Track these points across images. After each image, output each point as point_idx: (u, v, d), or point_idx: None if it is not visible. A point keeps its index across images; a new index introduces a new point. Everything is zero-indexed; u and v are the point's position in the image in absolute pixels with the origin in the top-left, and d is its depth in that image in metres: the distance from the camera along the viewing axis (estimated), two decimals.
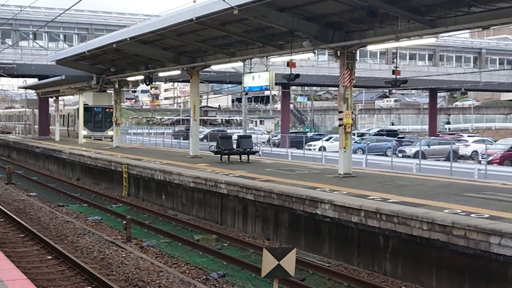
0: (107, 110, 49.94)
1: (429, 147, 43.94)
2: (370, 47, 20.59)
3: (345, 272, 13.10)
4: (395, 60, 46.37)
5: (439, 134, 65.06)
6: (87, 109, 48.26)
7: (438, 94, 78.08)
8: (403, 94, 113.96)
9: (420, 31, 17.03)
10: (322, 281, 12.72)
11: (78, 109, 47.90)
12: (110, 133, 48.02)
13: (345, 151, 19.61)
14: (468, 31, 34.69)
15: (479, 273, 10.96)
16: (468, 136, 58.15)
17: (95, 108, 50.62)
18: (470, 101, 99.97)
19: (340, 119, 19.68)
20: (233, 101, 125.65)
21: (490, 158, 35.99)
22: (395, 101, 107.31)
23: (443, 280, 11.68)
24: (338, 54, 19.40)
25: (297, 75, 20.64)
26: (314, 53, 21.49)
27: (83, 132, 46.59)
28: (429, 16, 16.70)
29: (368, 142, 44.97)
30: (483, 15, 15.51)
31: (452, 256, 11.39)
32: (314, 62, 51.93)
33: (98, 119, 51.88)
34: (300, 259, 13.24)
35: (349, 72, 19.29)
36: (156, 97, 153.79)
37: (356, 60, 20.15)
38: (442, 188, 16.58)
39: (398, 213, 12.42)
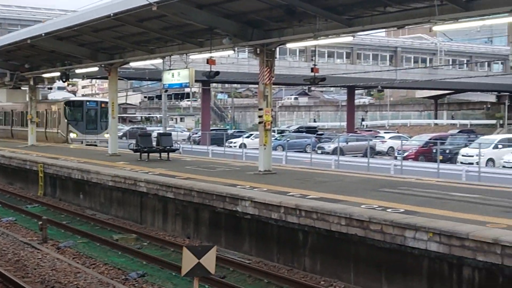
0: (103, 105, 39.13)
1: (347, 143, 44.80)
2: (289, 45, 20.81)
3: (265, 269, 13.17)
4: (313, 58, 47.01)
5: (357, 131, 66.38)
6: (76, 104, 39.00)
7: (356, 91, 79.66)
8: (322, 91, 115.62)
9: (338, 29, 17.30)
10: (243, 278, 12.75)
11: (68, 103, 39.10)
12: (107, 136, 36.93)
13: (265, 148, 19.72)
14: (384, 30, 35.49)
15: (395, 266, 11.23)
16: (385, 132, 59.65)
17: (87, 103, 39.99)
18: (366, 99, 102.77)
19: (260, 116, 19.78)
20: (151, 98, 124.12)
21: (405, 154, 37.01)
22: (295, 99, 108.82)
23: (360, 275, 11.91)
24: (258, 52, 19.48)
25: (217, 73, 20.62)
26: (234, 50, 21.53)
27: (72, 135, 37.85)
28: (346, 15, 16.98)
29: (288, 139, 45.45)
30: (398, 15, 15.89)
31: (369, 250, 11.63)
32: (234, 59, 52.01)
33: (91, 117, 39.83)
34: (221, 257, 13.23)
35: (268, 69, 19.40)
36: (73, 94, 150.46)
37: (276, 57, 20.31)
38: (359, 184, 16.91)
39: (317, 209, 12.58)
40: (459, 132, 58.67)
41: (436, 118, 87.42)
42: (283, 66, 53.54)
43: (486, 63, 73.22)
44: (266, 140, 19.69)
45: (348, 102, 72.10)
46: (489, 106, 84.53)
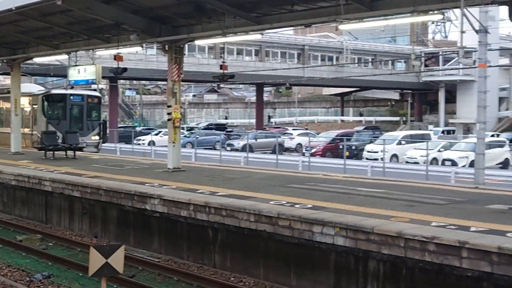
0: (89, 100, 31.99)
1: (256, 140, 45.10)
2: (198, 42, 20.73)
3: (175, 267, 13.10)
4: (222, 55, 47.10)
5: (265, 128, 66.94)
6: (58, 98, 31.14)
7: (265, 88, 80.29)
8: (231, 88, 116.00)
9: (246, 27, 17.40)
10: (152, 277, 12.62)
11: (47, 97, 30.97)
12: (94, 138, 31.25)
13: (174, 146, 19.62)
14: (291, 28, 35.97)
15: (303, 261, 11.40)
16: (293, 129, 60.46)
17: (71, 97, 31.52)
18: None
19: (169, 114, 19.66)
20: None
21: (313, 151, 37.65)
22: (193, 96, 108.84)
23: (270, 270, 12.02)
24: (166, 49, 19.34)
25: (125, 69, 20.36)
26: (142, 46, 21.29)
27: None
28: (254, 13, 17.09)
29: (197, 136, 45.35)
30: (305, 14, 16.14)
31: (278, 246, 11.76)
32: (142, 55, 51.35)
33: (76, 115, 31.65)
34: (129, 256, 13.05)
35: (177, 66, 19.30)
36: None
37: (185, 54, 20.21)
38: (268, 180, 17.07)
39: (226, 206, 12.62)
40: (365, 128, 60.17)
41: (342, 115, 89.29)
42: (192, 63, 53.27)
43: (390, 61, 75.36)
44: (175, 137, 19.59)
45: (257, 99, 72.60)
46: (393, 103, 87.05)
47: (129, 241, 14.95)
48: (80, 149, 25.49)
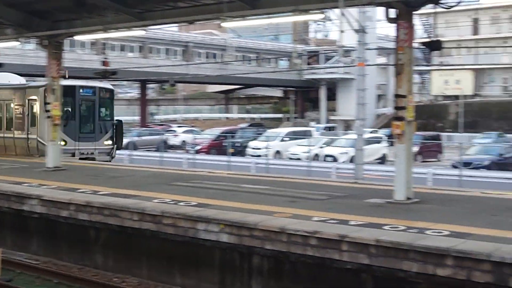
0: (102, 94, 25.01)
1: (140, 138, 44.55)
2: (79, 37, 20.22)
3: (55, 269, 12.71)
4: (104, 51, 46.16)
5: (149, 125, 66.27)
6: (63, 91, 20.49)
7: (149, 85, 79.50)
8: (114, 85, 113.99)
9: (129, 23, 17.12)
10: (31, 280, 12.18)
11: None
12: (107, 143, 24.66)
13: (53, 144, 19.03)
14: (176, 24, 35.73)
15: (188, 259, 11.36)
16: (178, 126, 60.20)
17: (80, 90, 24.20)
18: (132, 93, 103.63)
19: (48, 111, 19.06)
20: None
21: (198, 148, 37.67)
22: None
23: (154, 269, 11.90)
24: (45, 44, 18.75)
25: (1, 65, 19.55)
26: (19, 41, 20.52)
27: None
28: (137, 9, 16.83)
29: None
30: (189, 10, 16.08)
31: (162, 244, 11.65)
32: (20, 50, 49.49)
33: (86, 113, 24.66)
34: (6, 259, 12.52)
35: (56, 62, 18.75)
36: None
37: (64, 50, 19.66)
38: (152, 178, 16.90)
39: (109, 205, 12.37)
40: (249, 125, 60.81)
41: (227, 112, 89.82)
42: (73, 59, 51.84)
43: (273, 59, 76.61)
44: (55, 136, 19.01)
45: (141, 96, 71.75)
46: (276, 100, 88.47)
47: (6, 244, 14.33)
48: None
